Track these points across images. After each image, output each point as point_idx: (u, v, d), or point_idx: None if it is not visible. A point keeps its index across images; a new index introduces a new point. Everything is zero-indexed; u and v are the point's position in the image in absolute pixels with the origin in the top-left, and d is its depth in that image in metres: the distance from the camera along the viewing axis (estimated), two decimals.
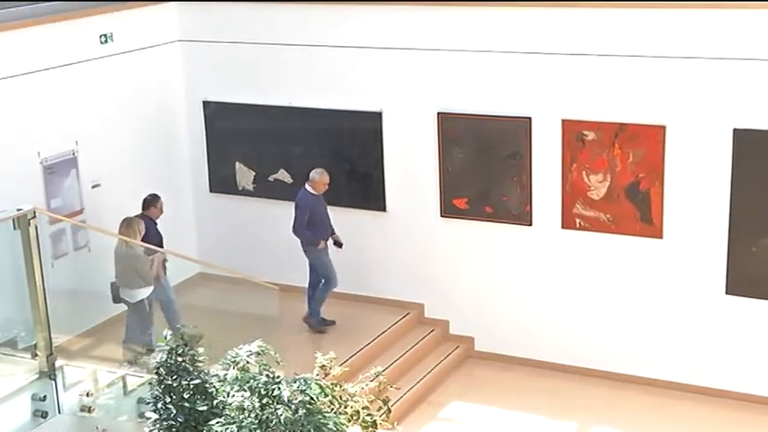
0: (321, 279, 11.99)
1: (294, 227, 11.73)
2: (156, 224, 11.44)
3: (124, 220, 10.78)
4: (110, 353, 10.65)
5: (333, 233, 12.00)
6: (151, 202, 11.48)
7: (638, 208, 11.08)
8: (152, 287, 10.74)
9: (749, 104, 10.40)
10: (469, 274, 11.92)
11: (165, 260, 11.03)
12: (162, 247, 11.44)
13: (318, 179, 11.64)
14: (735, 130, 10.50)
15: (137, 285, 10.66)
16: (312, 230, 11.73)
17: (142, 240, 10.95)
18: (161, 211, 11.53)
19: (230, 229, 13.22)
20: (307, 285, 12.12)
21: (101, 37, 11.88)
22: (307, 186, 11.70)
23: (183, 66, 13.05)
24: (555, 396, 11.33)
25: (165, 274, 11.27)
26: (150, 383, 7.44)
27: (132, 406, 9.34)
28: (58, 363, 9.36)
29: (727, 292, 10.90)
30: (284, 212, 12.73)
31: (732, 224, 10.70)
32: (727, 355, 11.06)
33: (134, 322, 10.75)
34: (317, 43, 12.20)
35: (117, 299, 10.80)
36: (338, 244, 12.00)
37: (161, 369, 7.20)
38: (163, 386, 7.18)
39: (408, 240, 12.07)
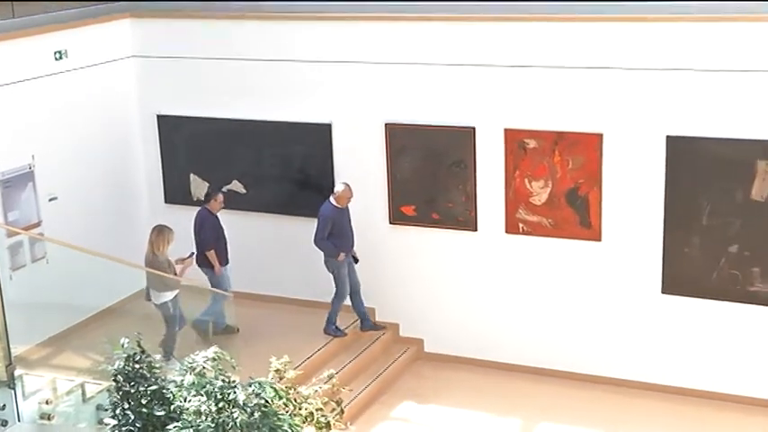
0: (353, 290, 11.90)
1: (315, 238, 11.52)
2: (216, 217, 11.74)
3: (156, 227, 11.02)
4: (69, 361, 10.53)
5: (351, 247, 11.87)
6: (211, 195, 11.77)
7: (577, 212, 11.16)
8: (176, 291, 10.89)
9: (681, 113, 10.53)
10: (418, 278, 11.93)
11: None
12: (223, 238, 11.79)
13: (341, 193, 11.44)
14: (668, 137, 10.62)
15: (160, 289, 10.82)
16: (334, 242, 11.52)
17: (201, 231, 11.60)
18: (221, 205, 11.78)
19: (185, 239, 13.08)
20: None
21: (55, 53, 11.75)
22: (331, 199, 11.50)
23: (137, 80, 12.94)
24: (502, 394, 11.36)
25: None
26: (108, 390, 7.39)
27: (91, 413, 9.25)
28: (18, 372, 9.26)
29: (662, 292, 11.02)
30: (238, 222, 12.68)
31: (666, 226, 10.82)
32: (664, 352, 11.18)
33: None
34: (268, 58, 12.17)
35: (147, 298, 11.03)
36: (355, 260, 11.86)
37: (119, 376, 7.14)
38: (121, 393, 7.13)
39: (359, 247, 12.04)
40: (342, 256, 11.55)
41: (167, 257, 10.91)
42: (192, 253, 11.38)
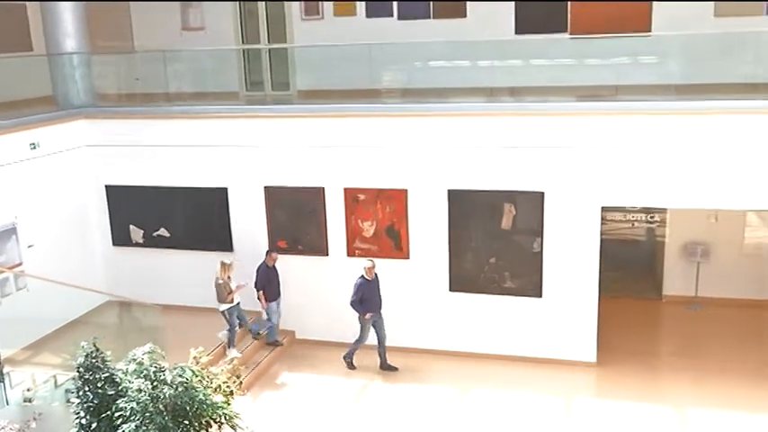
0: (380, 341, 10.93)
1: (350, 301, 10.68)
2: (271, 268, 11.24)
3: (222, 261, 10.85)
4: (44, 360, 9.93)
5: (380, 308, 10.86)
6: (267, 254, 11.24)
7: (393, 241, 11.29)
8: (230, 305, 10.78)
9: (457, 174, 10.84)
10: (289, 289, 11.76)
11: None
12: (274, 282, 11.29)
13: (367, 268, 10.62)
14: (449, 190, 10.90)
15: (221, 301, 10.79)
16: (363, 305, 10.63)
17: (258, 278, 11.15)
18: (273, 260, 11.22)
19: (128, 269, 12.61)
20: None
21: (30, 144, 11.19)
22: (363, 273, 10.66)
23: (90, 162, 12.39)
24: (356, 365, 11.28)
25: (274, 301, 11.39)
26: (73, 378, 7.07)
27: (61, 395, 8.74)
28: (6, 369, 8.70)
29: (450, 290, 11.24)
30: (165, 257, 12.35)
31: (450, 247, 11.08)
32: (453, 329, 11.39)
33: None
34: (184, 144, 11.88)
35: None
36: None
37: (81, 368, 6.85)
38: (82, 380, 6.86)
39: (249, 270, 11.78)
40: (368, 315, 10.67)
41: (227, 281, 10.73)
42: (246, 283, 10.99)
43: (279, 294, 11.42)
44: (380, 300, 10.86)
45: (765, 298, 12.50)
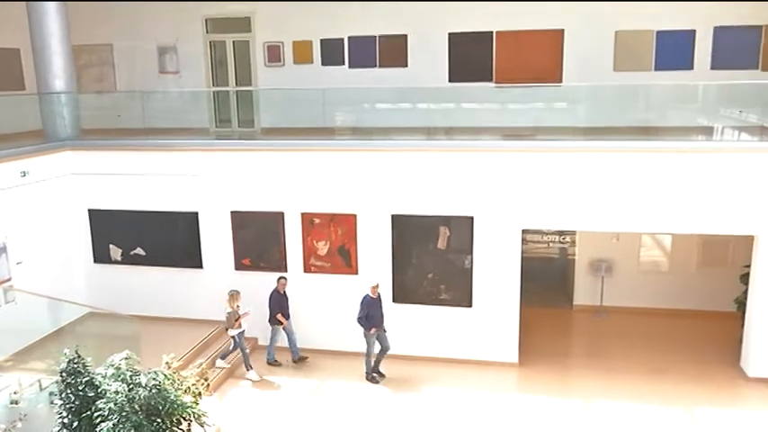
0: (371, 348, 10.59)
1: (357, 317, 10.42)
2: (282, 294, 11.00)
3: (230, 291, 10.70)
4: (31, 365, 9.67)
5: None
6: (278, 281, 10.99)
7: (344, 259, 11.35)
8: (238, 330, 10.66)
9: (399, 201, 10.96)
10: (253, 303, 11.66)
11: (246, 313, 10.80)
12: (286, 305, 11.04)
13: (372, 287, 10.37)
14: (392, 215, 11.02)
15: (229, 326, 10.65)
16: (368, 321, 10.36)
17: (271, 302, 10.93)
18: (284, 286, 10.97)
19: (108, 284, 12.37)
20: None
21: (21, 172, 10.96)
22: (368, 291, 10.42)
23: (75, 188, 12.17)
24: (314, 369, 11.20)
25: (286, 325, 11.11)
26: (57, 382, 6.94)
27: (45, 397, 8.53)
28: None
29: (393, 301, 11.26)
30: (141, 273, 12.14)
31: (394, 264, 11.16)
32: (396, 335, 11.28)
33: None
34: (157, 173, 11.77)
35: (225, 329, 10.88)
36: (383, 330, 10.59)
37: (64, 373, 6.73)
38: (65, 383, 6.76)
39: (217, 285, 11.76)
40: (372, 330, 10.41)
41: (235, 310, 10.58)
42: (249, 311, 10.79)
43: (289, 317, 11.18)
44: (382, 315, 10.60)
45: (659, 306, 12.96)
